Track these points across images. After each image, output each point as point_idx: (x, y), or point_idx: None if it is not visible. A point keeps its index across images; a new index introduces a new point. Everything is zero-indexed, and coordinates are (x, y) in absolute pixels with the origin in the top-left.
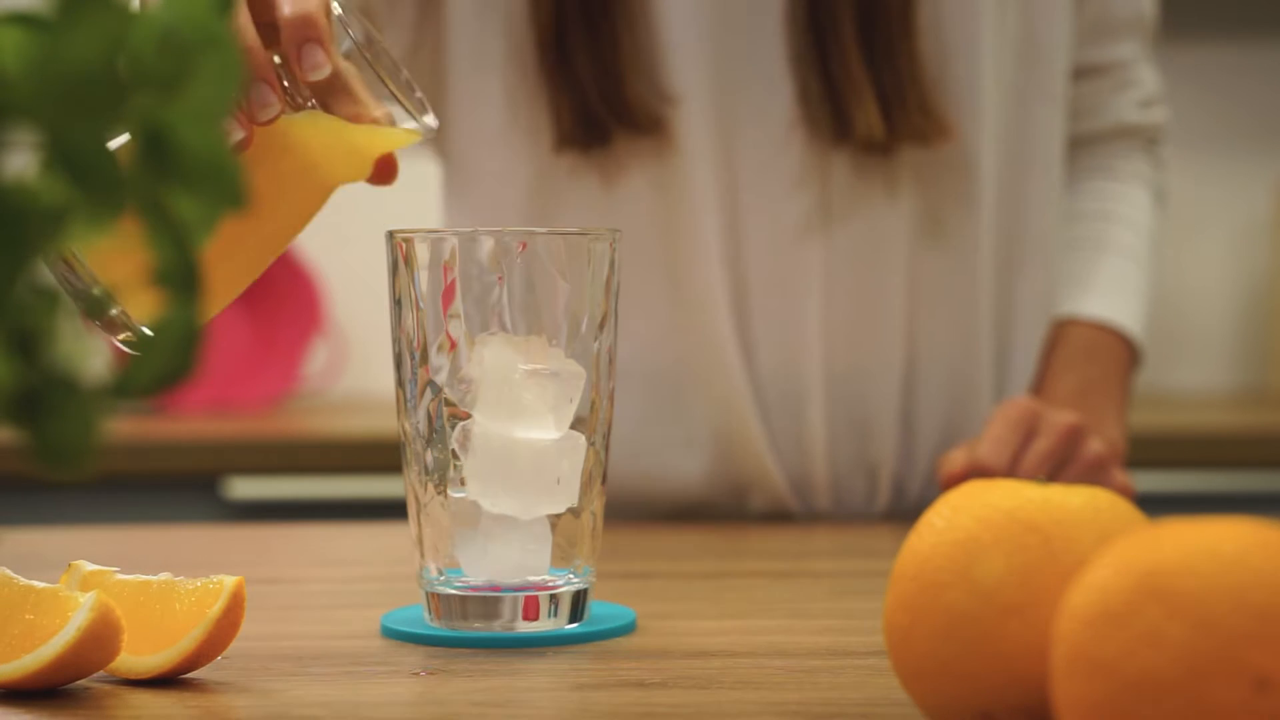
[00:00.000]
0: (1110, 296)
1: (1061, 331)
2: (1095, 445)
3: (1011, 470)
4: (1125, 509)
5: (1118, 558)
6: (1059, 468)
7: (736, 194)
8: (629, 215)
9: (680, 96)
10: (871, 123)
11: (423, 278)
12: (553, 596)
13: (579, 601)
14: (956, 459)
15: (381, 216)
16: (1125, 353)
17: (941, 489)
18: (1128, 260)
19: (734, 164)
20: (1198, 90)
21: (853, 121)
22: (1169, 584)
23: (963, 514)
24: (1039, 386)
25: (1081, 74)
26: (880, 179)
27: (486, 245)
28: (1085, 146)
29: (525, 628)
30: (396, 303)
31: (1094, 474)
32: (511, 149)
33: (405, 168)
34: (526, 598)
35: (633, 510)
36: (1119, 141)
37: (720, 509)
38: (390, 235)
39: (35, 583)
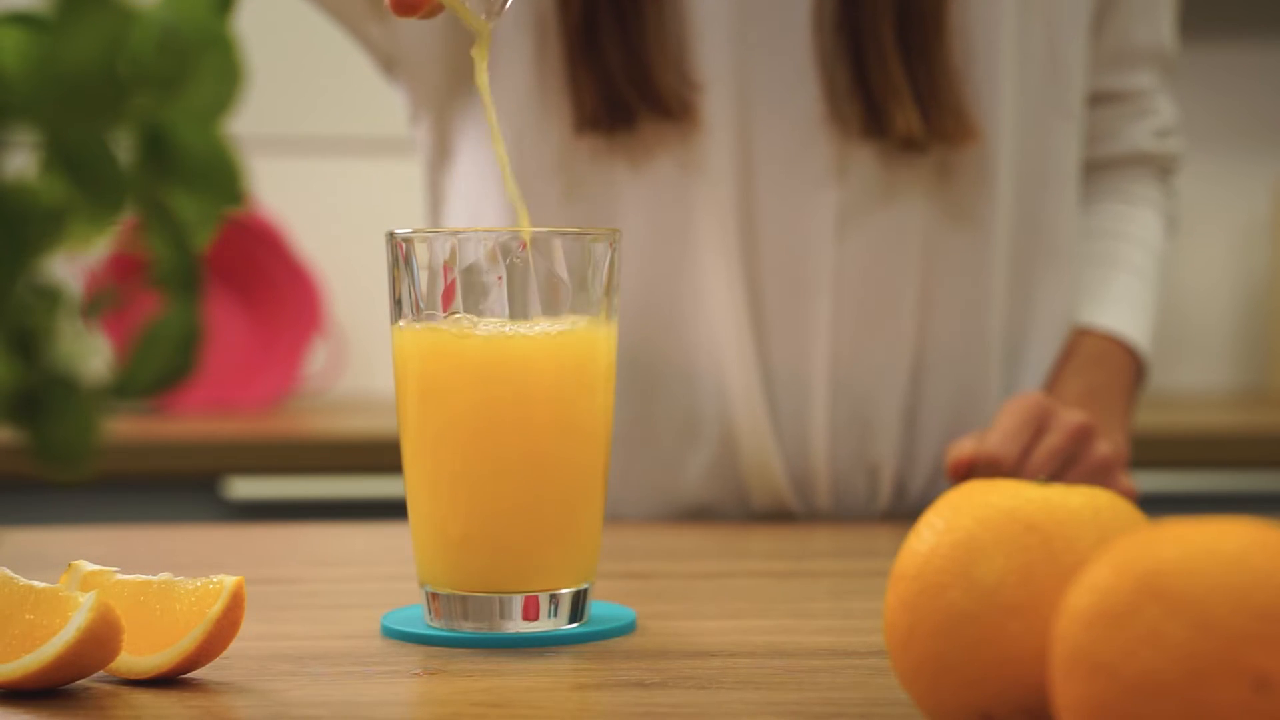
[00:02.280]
0: (1120, 311)
1: (1072, 340)
2: (1103, 447)
3: (1019, 464)
4: (1125, 509)
5: (1118, 558)
6: (1065, 466)
7: (757, 185)
8: (653, 198)
9: (706, 83)
10: (911, 122)
11: (423, 278)
12: (553, 596)
13: (579, 601)
14: (965, 446)
15: (381, 216)
16: (1132, 364)
17: (947, 476)
18: (1138, 278)
19: (755, 156)
20: (1198, 90)
21: (892, 121)
22: (1169, 584)
23: (963, 514)
24: (1047, 390)
25: (1100, 100)
26: (900, 179)
27: (486, 245)
28: (1100, 170)
29: (525, 628)
30: (396, 303)
31: (1099, 476)
32: (536, 125)
33: (405, 168)
34: (526, 598)
35: (634, 509)
36: (1134, 168)
37: (721, 508)
38: (390, 235)
39: (35, 583)
